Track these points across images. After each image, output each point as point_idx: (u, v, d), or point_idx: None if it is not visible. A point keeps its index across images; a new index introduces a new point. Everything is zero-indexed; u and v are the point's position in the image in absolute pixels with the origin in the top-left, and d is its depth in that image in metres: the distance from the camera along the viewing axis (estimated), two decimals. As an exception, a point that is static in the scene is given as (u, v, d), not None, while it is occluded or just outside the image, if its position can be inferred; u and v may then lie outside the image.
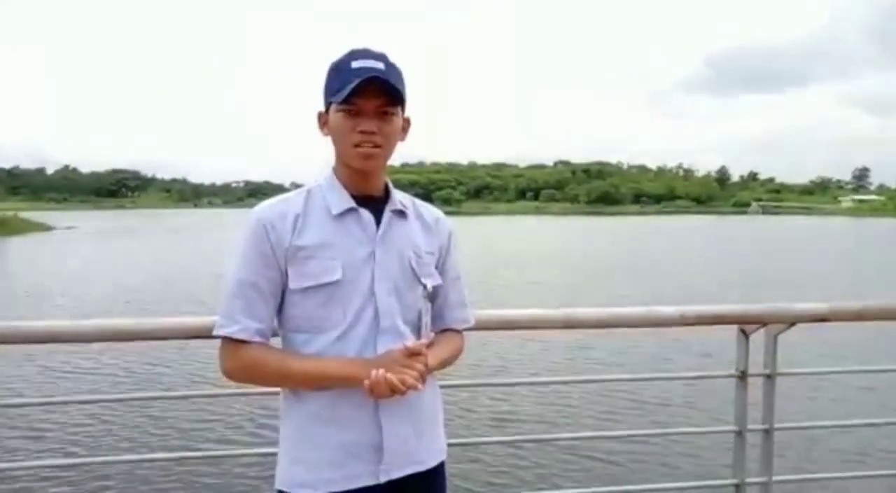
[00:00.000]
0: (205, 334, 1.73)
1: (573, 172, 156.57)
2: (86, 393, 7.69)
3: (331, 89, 1.46)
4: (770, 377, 2.32)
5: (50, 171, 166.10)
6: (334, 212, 1.47)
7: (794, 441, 5.67)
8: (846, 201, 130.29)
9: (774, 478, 2.32)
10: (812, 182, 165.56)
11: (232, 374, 1.47)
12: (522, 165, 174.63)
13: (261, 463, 5.02)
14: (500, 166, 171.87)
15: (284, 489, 1.47)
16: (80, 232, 49.87)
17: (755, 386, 2.32)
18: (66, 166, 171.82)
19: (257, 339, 1.44)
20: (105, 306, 14.71)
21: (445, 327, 1.65)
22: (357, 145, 1.44)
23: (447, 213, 1.70)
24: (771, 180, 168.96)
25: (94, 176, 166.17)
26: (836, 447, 5.93)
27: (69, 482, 5.19)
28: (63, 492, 5.09)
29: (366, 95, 1.41)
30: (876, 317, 2.39)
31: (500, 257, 27.42)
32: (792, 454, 5.39)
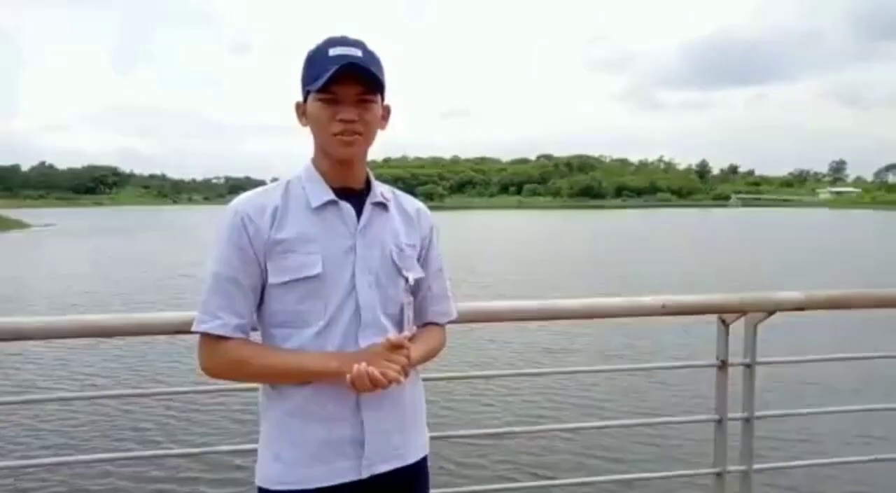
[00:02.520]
0: (183, 329, 1.70)
1: (556, 166, 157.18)
2: (62, 391, 7.59)
3: (308, 78, 1.43)
4: (750, 366, 2.34)
5: (25, 167, 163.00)
6: (314, 204, 1.45)
7: (775, 429, 5.75)
8: (824, 193, 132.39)
9: (755, 466, 2.35)
10: (790, 175, 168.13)
11: (211, 370, 1.44)
12: (505, 159, 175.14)
13: (241, 460, 4.98)
14: (482, 160, 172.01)
15: (265, 485, 1.45)
16: (58, 229, 49.13)
17: (735, 375, 2.34)
18: (43, 163, 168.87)
19: (237, 335, 1.42)
20: (84, 303, 14.51)
21: (428, 320, 1.63)
22: (337, 134, 1.42)
23: (430, 207, 1.68)
24: (750, 173, 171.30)
25: (71, 172, 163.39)
26: (815, 434, 6.03)
27: (44, 481, 5.11)
28: (37, 491, 5.01)
29: (344, 82, 1.39)
30: (853, 305, 2.42)
31: (483, 251, 27.46)
32: (772, 441, 5.45)
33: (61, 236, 40.96)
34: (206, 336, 1.42)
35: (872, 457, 2.71)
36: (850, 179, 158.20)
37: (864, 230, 45.79)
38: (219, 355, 1.42)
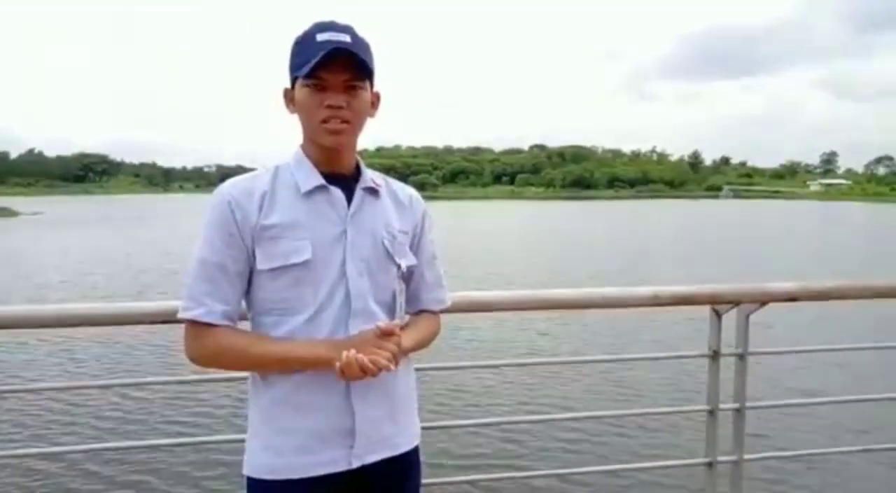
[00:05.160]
0: (169, 318, 1.67)
1: (549, 157, 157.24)
2: (47, 381, 7.50)
3: (296, 64, 1.40)
4: (742, 357, 2.33)
5: (14, 155, 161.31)
6: (303, 190, 1.42)
7: (766, 419, 5.78)
8: (815, 185, 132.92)
9: (746, 456, 2.35)
10: (782, 166, 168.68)
11: (197, 359, 1.41)
12: (498, 149, 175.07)
13: (229, 450, 4.95)
14: (475, 150, 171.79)
15: (253, 475, 1.43)
16: (47, 218, 48.75)
17: (728, 365, 2.34)
18: (32, 150, 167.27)
19: (223, 322, 1.39)
20: (72, 293, 14.41)
21: (421, 308, 1.62)
22: (324, 121, 1.39)
23: (423, 198, 1.66)
24: (742, 164, 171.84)
25: (61, 160, 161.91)
26: (806, 424, 6.06)
27: (28, 473, 5.05)
28: (20, 483, 4.97)
29: (332, 68, 1.36)
30: (845, 296, 2.42)
31: (476, 242, 27.47)
32: (763, 432, 5.48)
33: (50, 225, 40.64)
34: (191, 324, 1.39)
35: (863, 447, 2.72)
36: (841, 171, 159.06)
37: (854, 222, 46.08)
38: (205, 343, 1.39)
